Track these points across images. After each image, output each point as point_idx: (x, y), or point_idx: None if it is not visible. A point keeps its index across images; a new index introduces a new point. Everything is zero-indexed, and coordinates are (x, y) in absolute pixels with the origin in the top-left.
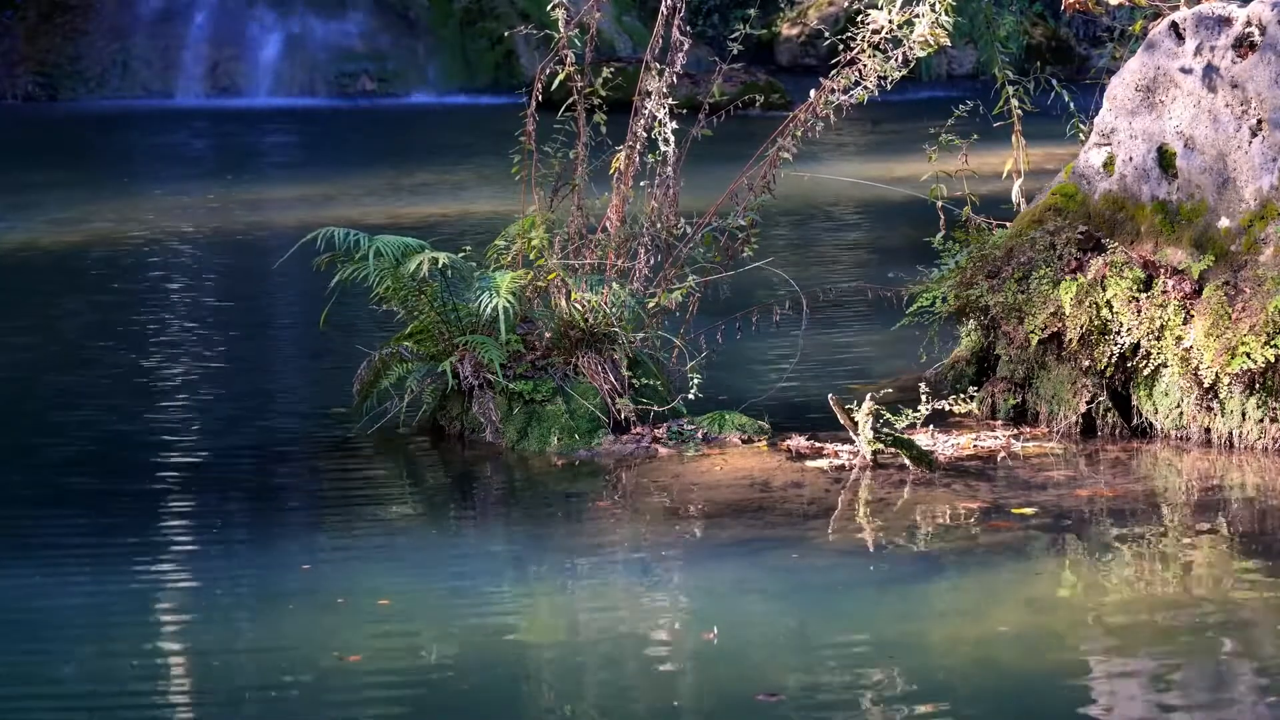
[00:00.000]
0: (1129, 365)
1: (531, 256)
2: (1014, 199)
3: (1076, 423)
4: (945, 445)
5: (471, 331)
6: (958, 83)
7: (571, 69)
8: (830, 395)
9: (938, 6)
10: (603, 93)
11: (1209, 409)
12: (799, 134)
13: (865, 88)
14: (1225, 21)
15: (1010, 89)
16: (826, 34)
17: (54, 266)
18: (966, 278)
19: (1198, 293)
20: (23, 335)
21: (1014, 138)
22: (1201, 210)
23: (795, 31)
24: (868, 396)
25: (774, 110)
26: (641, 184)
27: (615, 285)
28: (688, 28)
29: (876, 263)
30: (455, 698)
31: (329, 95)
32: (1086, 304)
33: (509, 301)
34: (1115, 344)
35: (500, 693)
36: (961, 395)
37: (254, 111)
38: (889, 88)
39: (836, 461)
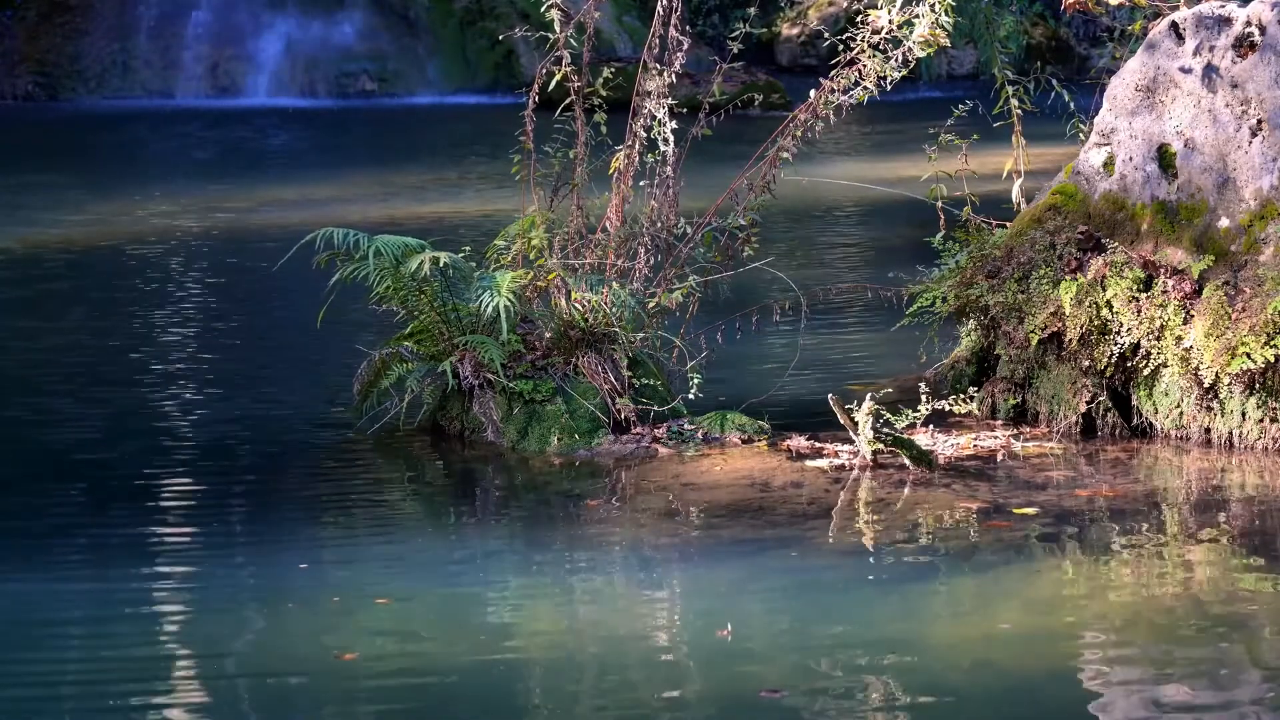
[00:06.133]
0: (1129, 365)
1: (531, 256)
2: (1014, 199)
3: (1076, 423)
4: (945, 445)
5: (471, 331)
6: (958, 83)
7: (569, 69)
8: (830, 395)
9: (938, 6)
10: (602, 92)
11: (1209, 409)
12: (799, 134)
13: (865, 88)
14: (1225, 21)
15: (1010, 89)
16: (826, 34)
17: (54, 266)
18: (966, 278)
19: (1198, 293)
20: (23, 334)
21: (1014, 138)
22: (1201, 210)
23: (795, 31)
24: (868, 396)
25: (774, 110)
26: (641, 184)
27: (615, 285)
28: (687, 27)
29: (876, 263)
30: (454, 697)
31: (329, 95)
32: (1086, 304)
33: (509, 301)
34: (1115, 344)
35: (499, 692)
36: (961, 395)
37: (254, 111)
38: (889, 88)
39: (836, 461)
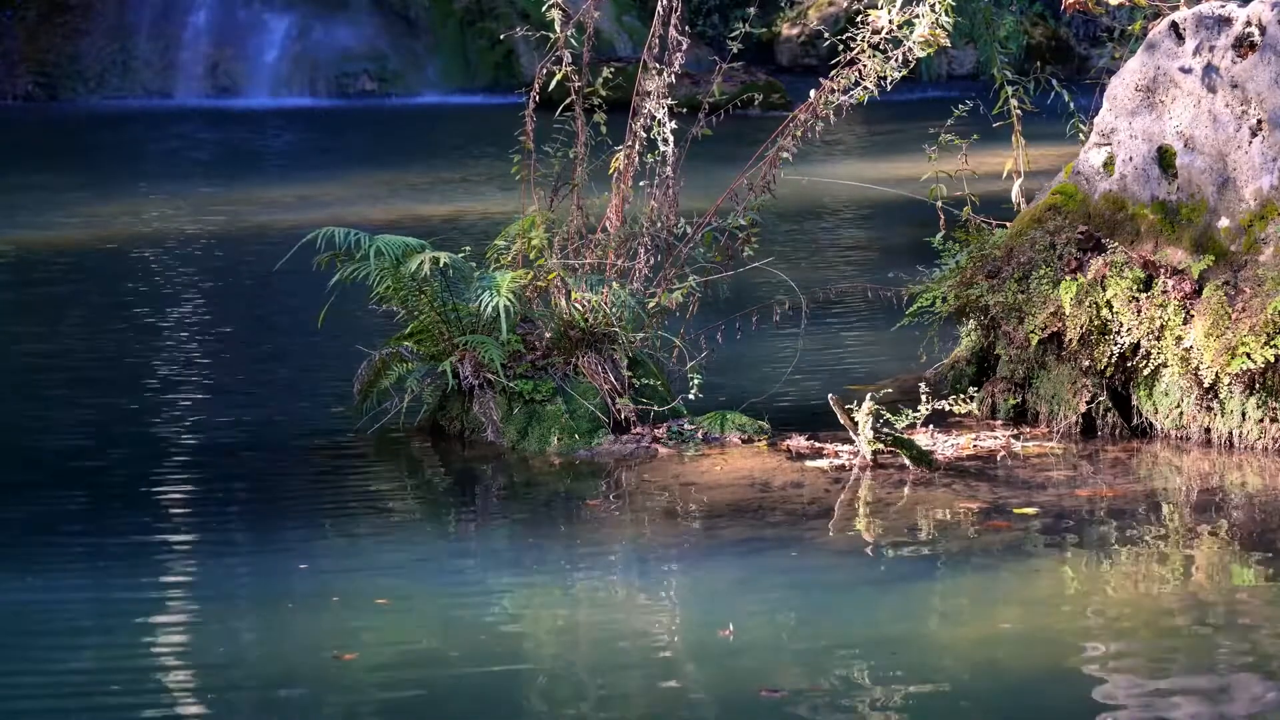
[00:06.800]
0: (1129, 365)
1: (531, 256)
2: (1014, 199)
3: (1076, 423)
4: (945, 445)
5: (472, 331)
6: (958, 83)
7: (569, 69)
8: (830, 395)
9: (938, 7)
10: (602, 92)
11: (1209, 409)
12: (799, 134)
13: (865, 88)
14: (1225, 21)
15: (1010, 89)
16: (826, 34)
17: (52, 268)
18: (966, 278)
19: (1198, 293)
20: (23, 335)
21: (1014, 138)
22: (1201, 210)
23: (795, 31)
24: (868, 396)
25: (774, 110)
26: (641, 184)
27: (615, 285)
28: (687, 27)
29: (876, 263)
30: (454, 697)
31: (329, 95)
32: (1086, 304)
33: (509, 301)
34: (1115, 344)
35: (499, 692)
36: (961, 395)
37: (254, 111)
38: (889, 88)
39: (836, 461)
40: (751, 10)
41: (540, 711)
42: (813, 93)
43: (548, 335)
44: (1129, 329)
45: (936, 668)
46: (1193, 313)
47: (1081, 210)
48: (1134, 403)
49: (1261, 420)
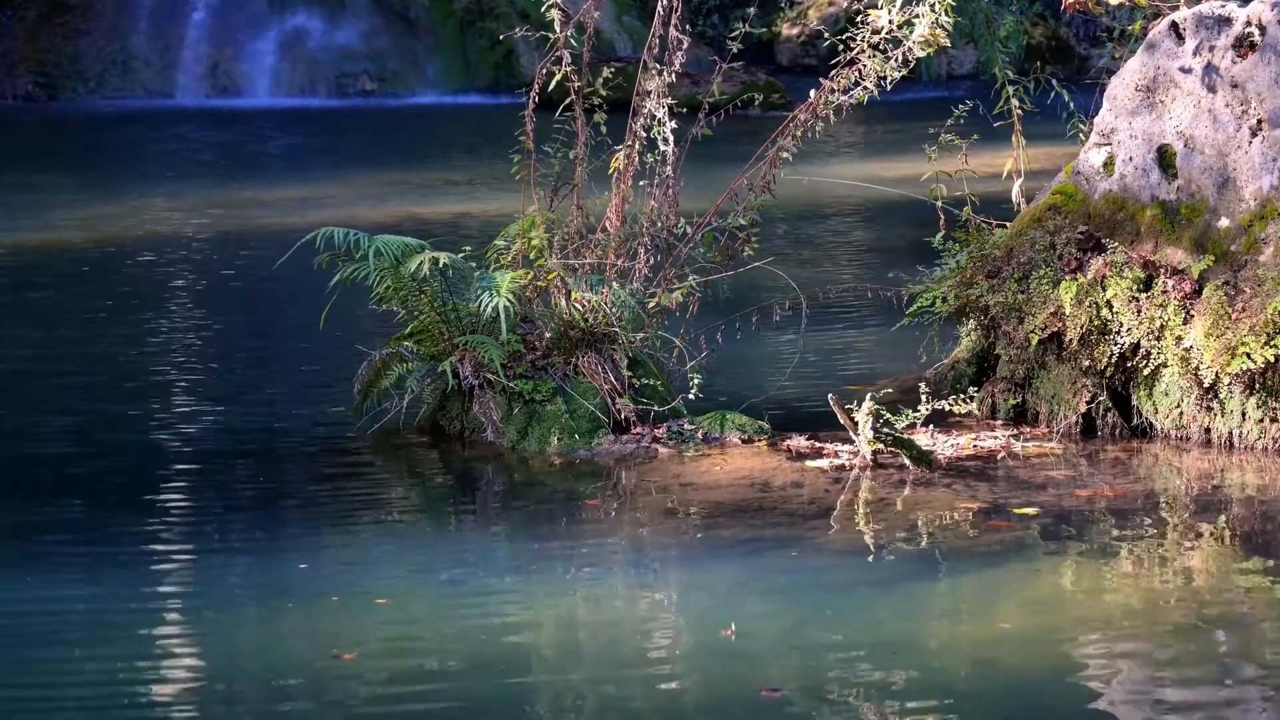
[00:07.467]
0: (1129, 365)
1: (531, 256)
2: (1014, 199)
3: (1076, 423)
4: (945, 445)
5: (472, 331)
6: (958, 83)
7: (569, 69)
8: (830, 395)
9: (938, 6)
10: (602, 92)
11: (1209, 409)
12: (799, 134)
13: (865, 88)
14: (1225, 21)
15: (1010, 89)
16: (826, 34)
17: (54, 268)
18: (966, 278)
19: (1198, 293)
20: (22, 336)
21: (1014, 138)
22: (1201, 210)
23: (795, 31)
24: (868, 396)
25: (774, 110)
26: (641, 184)
27: (615, 285)
28: (687, 27)
29: (876, 263)
30: (454, 698)
31: (329, 95)
32: (1086, 304)
33: (509, 301)
34: (1115, 344)
35: (499, 693)
36: (961, 395)
37: (254, 111)
38: (889, 88)
39: (836, 461)
40: (751, 10)
41: (540, 711)
42: (813, 93)
43: (548, 335)
44: (1129, 329)
45: (936, 668)
46: (1193, 313)
47: (1081, 210)
48: (1134, 403)
49: (1261, 420)
